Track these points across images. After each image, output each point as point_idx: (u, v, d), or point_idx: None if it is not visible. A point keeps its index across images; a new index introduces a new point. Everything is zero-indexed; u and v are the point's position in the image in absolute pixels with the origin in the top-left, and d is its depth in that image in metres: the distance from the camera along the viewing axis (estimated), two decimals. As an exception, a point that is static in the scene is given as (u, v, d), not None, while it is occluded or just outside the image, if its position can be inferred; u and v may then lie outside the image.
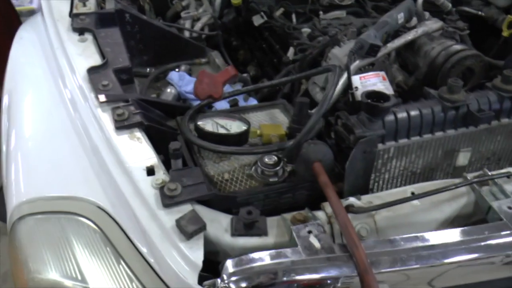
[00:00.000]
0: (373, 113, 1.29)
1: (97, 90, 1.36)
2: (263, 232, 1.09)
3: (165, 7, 2.34)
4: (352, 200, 1.14)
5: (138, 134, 1.26)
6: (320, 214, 1.17)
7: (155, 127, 1.30)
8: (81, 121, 1.34)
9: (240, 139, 1.31)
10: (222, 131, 1.33)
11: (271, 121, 1.48)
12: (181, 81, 1.74)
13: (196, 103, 1.58)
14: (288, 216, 1.14)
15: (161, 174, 1.16)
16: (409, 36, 1.69)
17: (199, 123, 1.34)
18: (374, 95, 1.30)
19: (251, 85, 1.59)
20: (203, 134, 1.31)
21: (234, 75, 1.45)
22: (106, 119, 1.30)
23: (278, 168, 1.24)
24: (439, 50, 1.72)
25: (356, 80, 1.55)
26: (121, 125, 1.26)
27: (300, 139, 1.17)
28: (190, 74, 1.89)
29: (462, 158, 1.46)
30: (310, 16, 2.22)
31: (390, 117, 1.32)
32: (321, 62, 1.85)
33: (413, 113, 1.35)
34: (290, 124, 1.38)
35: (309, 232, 1.06)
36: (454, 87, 1.37)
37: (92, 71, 1.43)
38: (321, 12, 2.20)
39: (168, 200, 1.08)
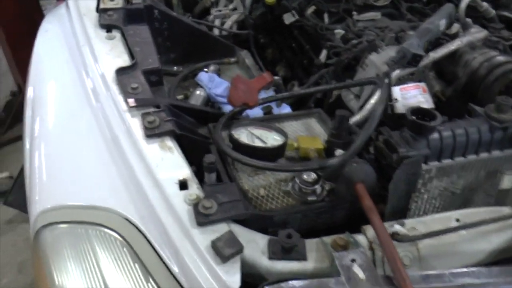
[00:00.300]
0: (418, 131, 1.22)
1: (126, 94, 1.30)
2: (302, 257, 1.04)
3: (193, 2, 2.27)
4: (397, 227, 1.08)
5: (170, 143, 1.21)
6: (360, 238, 1.11)
7: (188, 136, 1.25)
8: (108, 125, 1.29)
9: (277, 152, 1.25)
10: (257, 142, 1.27)
11: (307, 131, 1.41)
12: (211, 83, 1.68)
13: (226, 107, 1.52)
14: (328, 240, 1.08)
15: (195, 189, 1.10)
16: (452, 46, 1.61)
17: (233, 133, 1.28)
18: (419, 112, 1.23)
19: (285, 91, 1.51)
20: (237, 145, 1.25)
21: (270, 81, 1.39)
22: (136, 125, 1.24)
23: (317, 186, 1.18)
24: (481, 61, 1.64)
25: (396, 91, 1.48)
26: (152, 133, 1.21)
27: (345, 159, 1.11)
28: (219, 75, 1.83)
29: (507, 181, 1.38)
30: (343, 16, 2.13)
31: (435, 136, 1.24)
32: (357, 68, 1.78)
33: (459, 132, 1.27)
34: (329, 138, 1.32)
35: (353, 260, 1.00)
36: (503, 105, 1.29)
37: (120, 72, 1.37)
38: (354, 13, 2.12)
39: (202, 218, 1.03)
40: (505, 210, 1.17)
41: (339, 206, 1.19)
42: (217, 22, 2.12)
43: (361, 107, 1.57)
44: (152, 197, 1.09)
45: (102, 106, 1.33)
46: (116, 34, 1.54)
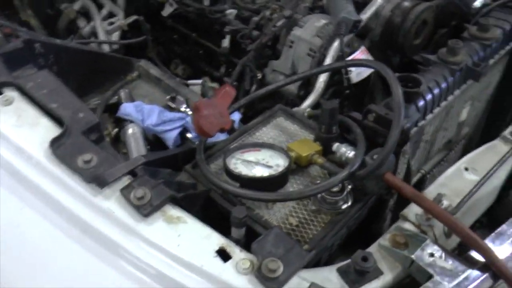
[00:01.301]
0: (408, 99, 1.21)
1: (83, 173, 1.00)
2: (379, 272, 0.98)
3: (54, 17, 1.85)
4: (445, 203, 1.08)
5: (176, 212, 0.98)
6: (407, 225, 1.09)
7: (187, 194, 1.03)
8: (77, 223, 0.97)
9: (287, 174, 1.12)
10: (259, 169, 1.12)
11: (285, 134, 1.31)
12: (140, 114, 1.42)
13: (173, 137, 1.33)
14: (385, 242, 1.04)
15: (241, 254, 0.93)
16: (375, 6, 1.61)
17: (230, 167, 1.10)
18: (403, 79, 1.23)
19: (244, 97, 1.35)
20: (243, 180, 1.09)
21: (234, 93, 1.22)
22: (120, 208, 0.97)
23: (345, 193, 1.10)
24: (391, 8, 1.69)
25: (348, 62, 1.44)
26: (149, 209, 0.96)
27: (384, 158, 1.04)
28: (133, 99, 1.56)
29: (464, 113, 1.50)
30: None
31: (421, 100, 1.26)
32: (279, 47, 1.69)
33: (433, 86, 1.31)
34: (319, 134, 1.23)
35: (431, 255, 0.97)
36: (455, 49, 1.36)
37: (55, 145, 1.05)
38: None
39: (272, 283, 0.88)
40: (497, 143, 1.27)
41: (368, 203, 1.14)
42: (115, 37, 1.78)
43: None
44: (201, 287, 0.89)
45: (53, 200, 1.00)
46: (11, 94, 1.16)
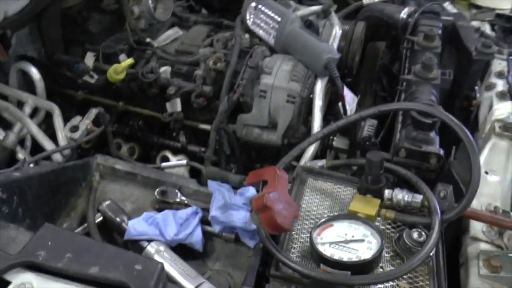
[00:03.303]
0: (426, 128, 1.32)
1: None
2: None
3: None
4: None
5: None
6: (483, 245, 1.20)
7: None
8: None
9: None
10: (356, 247, 1.09)
11: (328, 197, 1.30)
12: (155, 227, 1.24)
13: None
14: (484, 270, 1.14)
15: None
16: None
17: (320, 247, 1.07)
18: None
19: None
20: (344, 265, 1.05)
21: (286, 175, 1.16)
22: None
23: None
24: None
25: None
26: None
27: (462, 211, 1.12)
28: (119, 208, 1.33)
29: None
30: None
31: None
32: (246, 101, 1.62)
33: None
34: (367, 186, 1.24)
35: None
36: (431, 65, 1.52)
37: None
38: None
39: None
40: (495, 141, 1.47)
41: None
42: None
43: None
44: None
45: None
46: (25, 277, 0.90)
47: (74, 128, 1.32)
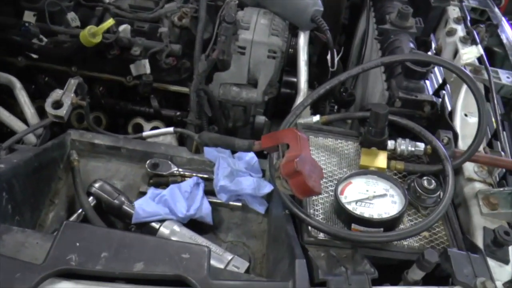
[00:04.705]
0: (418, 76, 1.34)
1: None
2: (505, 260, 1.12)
3: None
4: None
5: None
6: (477, 185, 1.27)
7: None
8: None
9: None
10: (380, 202, 1.09)
11: (333, 153, 1.27)
12: (164, 205, 1.13)
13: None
14: (485, 209, 1.20)
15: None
16: None
17: (348, 206, 1.06)
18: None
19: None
20: (375, 223, 1.05)
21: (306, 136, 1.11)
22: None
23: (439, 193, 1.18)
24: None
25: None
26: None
27: (469, 157, 1.15)
28: (112, 187, 1.18)
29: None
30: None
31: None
32: (224, 58, 1.50)
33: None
34: (370, 139, 1.24)
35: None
36: (407, 14, 1.51)
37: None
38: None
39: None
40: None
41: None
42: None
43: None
44: None
45: None
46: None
47: (57, 104, 1.11)
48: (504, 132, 1.58)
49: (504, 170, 1.35)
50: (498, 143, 1.40)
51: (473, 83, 1.14)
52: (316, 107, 1.80)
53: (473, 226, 1.20)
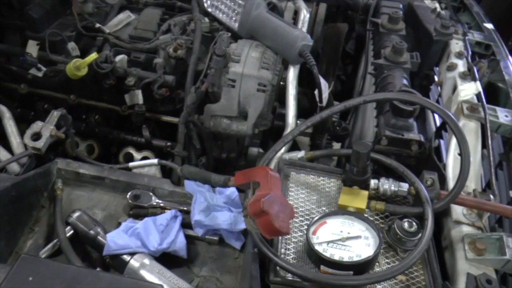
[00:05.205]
0: (408, 116, 1.31)
1: None
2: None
3: None
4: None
5: None
6: (465, 228, 1.22)
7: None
8: None
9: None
10: (353, 244, 1.06)
11: (313, 191, 1.25)
12: (136, 238, 1.13)
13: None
14: (470, 254, 1.15)
15: None
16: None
17: (319, 248, 1.04)
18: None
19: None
20: (345, 266, 1.02)
21: (278, 175, 1.10)
22: None
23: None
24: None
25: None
26: None
27: (452, 200, 1.11)
28: (90, 220, 1.20)
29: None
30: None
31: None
32: (214, 92, 1.51)
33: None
34: (353, 178, 1.21)
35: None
36: (401, 49, 1.49)
37: None
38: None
39: None
40: (464, 122, 1.48)
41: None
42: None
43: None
44: None
45: None
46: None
47: (36, 136, 1.15)
48: (503, 172, 1.53)
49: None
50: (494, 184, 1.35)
51: (454, 124, 1.11)
52: (313, 140, 1.79)
53: (457, 272, 1.15)
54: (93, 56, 1.43)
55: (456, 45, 1.80)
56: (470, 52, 1.70)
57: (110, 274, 0.89)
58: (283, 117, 1.60)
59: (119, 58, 1.59)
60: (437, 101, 1.80)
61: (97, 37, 1.68)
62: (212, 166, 1.63)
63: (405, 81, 1.47)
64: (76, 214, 1.21)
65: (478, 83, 1.55)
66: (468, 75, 1.61)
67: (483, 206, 1.19)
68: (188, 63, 1.58)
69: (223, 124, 1.56)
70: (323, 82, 1.45)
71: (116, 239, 1.12)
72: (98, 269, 1.13)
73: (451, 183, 1.33)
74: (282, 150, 1.32)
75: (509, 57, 1.81)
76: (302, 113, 1.57)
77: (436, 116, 1.76)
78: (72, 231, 1.19)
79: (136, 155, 1.57)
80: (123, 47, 1.64)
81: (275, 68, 1.50)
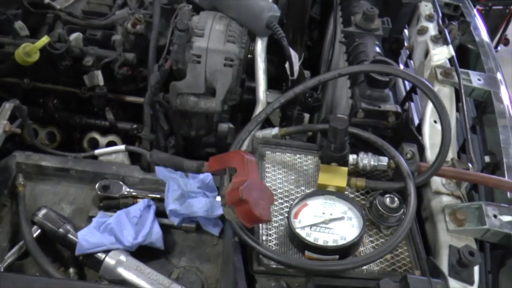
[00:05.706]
0: (382, 85, 1.27)
1: None
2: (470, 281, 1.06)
3: None
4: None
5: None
6: (445, 198, 1.21)
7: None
8: None
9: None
10: (337, 225, 1.03)
11: (291, 170, 1.21)
12: (109, 234, 1.07)
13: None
14: (451, 225, 1.15)
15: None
16: None
17: (301, 232, 1.00)
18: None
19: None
20: (330, 250, 0.99)
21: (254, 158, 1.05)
22: None
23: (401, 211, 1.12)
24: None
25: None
26: None
27: (432, 175, 1.09)
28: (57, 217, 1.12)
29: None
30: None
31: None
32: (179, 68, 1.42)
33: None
34: (330, 154, 1.17)
35: (495, 216, 1.13)
36: (373, 15, 1.43)
37: None
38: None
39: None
40: (439, 88, 1.46)
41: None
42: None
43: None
44: None
45: None
46: None
47: (-15, 131, 1.04)
48: (476, 136, 1.53)
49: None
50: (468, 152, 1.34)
51: (434, 95, 1.08)
52: (284, 111, 1.74)
53: (439, 244, 1.15)
54: (44, 40, 1.30)
55: (426, 7, 1.75)
56: (440, 14, 1.66)
57: (83, 283, 0.83)
58: (252, 91, 1.54)
59: (73, 36, 1.46)
60: (406, 64, 1.77)
61: (47, 14, 1.53)
62: (182, 146, 1.55)
63: (378, 49, 1.42)
64: (43, 212, 1.12)
65: (450, 46, 1.52)
66: (439, 39, 1.58)
67: (464, 176, 1.18)
68: (149, 38, 1.47)
69: (190, 102, 1.48)
70: (293, 54, 1.38)
71: (88, 237, 1.05)
72: (71, 269, 1.07)
73: (428, 152, 1.32)
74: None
75: (478, 17, 1.79)
76: (269, 81, 1.51)
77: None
78: (39, 231, 1.11)
79: (101, 139, 1.47)
80: (77, 24, 1.50)
81: (241, 41, 1.42)
